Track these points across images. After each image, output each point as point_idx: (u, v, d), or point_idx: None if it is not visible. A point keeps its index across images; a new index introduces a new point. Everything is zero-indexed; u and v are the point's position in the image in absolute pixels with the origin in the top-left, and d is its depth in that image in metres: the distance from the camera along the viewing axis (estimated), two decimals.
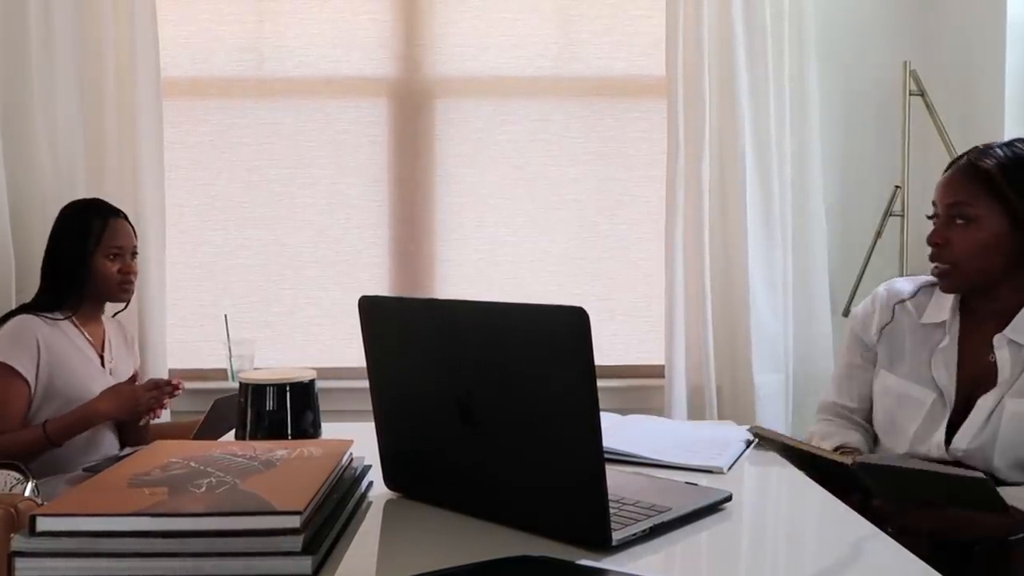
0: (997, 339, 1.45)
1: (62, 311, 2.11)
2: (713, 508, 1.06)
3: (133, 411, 2.07)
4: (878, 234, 2.55)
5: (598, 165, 2.81)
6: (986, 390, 1.45)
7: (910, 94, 2.53)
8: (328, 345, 2.79)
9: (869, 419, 1.64)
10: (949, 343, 1.51)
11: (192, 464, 0.97)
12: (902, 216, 2.55)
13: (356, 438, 1.10)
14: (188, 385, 2.24)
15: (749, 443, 1.43)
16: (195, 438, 1.94)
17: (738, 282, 2.61)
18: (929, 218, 1.53)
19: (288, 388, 1.29)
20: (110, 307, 2.26)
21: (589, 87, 2.80)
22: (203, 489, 0.88)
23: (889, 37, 2.72)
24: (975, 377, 1.47)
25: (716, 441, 1.42)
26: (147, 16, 2.54)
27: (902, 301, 1.59)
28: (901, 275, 2.29)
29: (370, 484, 1.12)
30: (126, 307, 2.29)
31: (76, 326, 2.13)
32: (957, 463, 1.41)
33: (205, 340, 2.76)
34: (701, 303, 2.60)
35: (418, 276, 2.82)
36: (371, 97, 2.79)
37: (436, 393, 1.03)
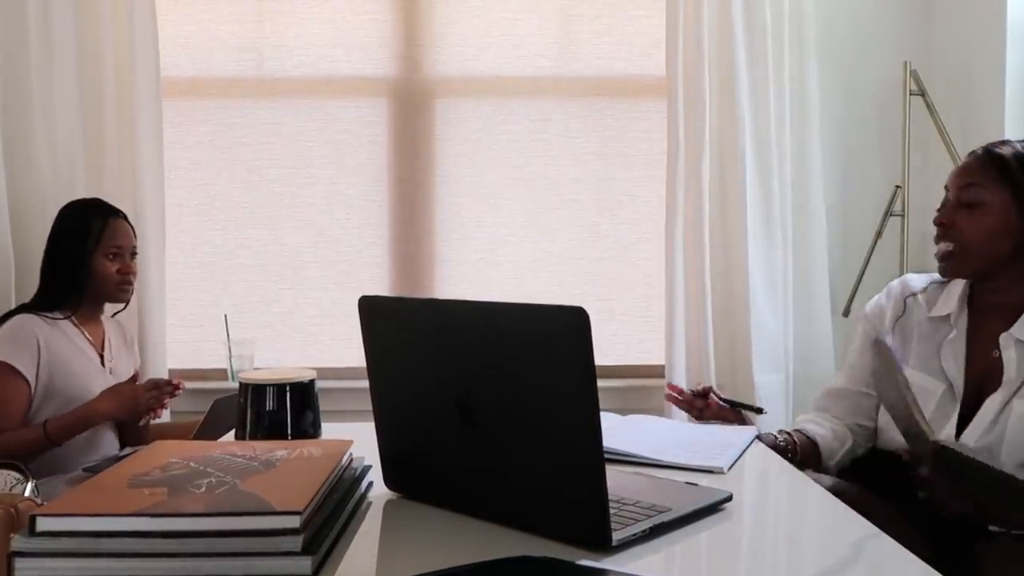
0: (1003, 338, 1.45)
1: (62, 311, 2.11)
2: (713, 508, 1.06)
3: (133, 411, 2.07)
4: (878, 234, 2.55)
5: (598, 165, 2.81)
6: (993, 386, 1.45)
7: (910, 94, 2.53)
8: (328, 345, 2.79)
9: (870, 414, 1.64)
10: (957, 336, 1.51)
11: (192, 464, 0.97)
12: (902, 216, 2.55)
13: (356, 438, 1.10)
14: (188, 385, 2.24)
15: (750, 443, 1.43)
16: (195, 438, 1.94)
17: (738, 282, 2.61)
18: (938, 210, 1.54)
19: (288, 388, 1.28)
20: (109, 307, 2.26)
21: (589, 87, 2.80)
22: (203, 489, 0.87)
23: (890, 37, 2.72)
24: (983, 372, 1.48)
25: (716, 441, 1.42)
26: (147, 16, 2.54)
27: (914, 294, 1.60)
28: (901, 275, 2.29)
29: (370, 484, 1.12)
30: (126, 307, 2.29)
31: (76, 326, 2.13)
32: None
33: (205, 340, 2.76)
34: (701, 303, 2.60)
35: (418, 276, 2.82)
36: (371, 97, 2.79)
37: (436, 393, 1.03)
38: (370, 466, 1.12)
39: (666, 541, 0.96)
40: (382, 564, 0.93)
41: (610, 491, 0.92)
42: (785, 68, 2.62)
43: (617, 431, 1.47)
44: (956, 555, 1.29)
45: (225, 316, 2.65)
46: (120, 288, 2.16)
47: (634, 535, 0.94)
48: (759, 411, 1.66)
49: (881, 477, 1.56)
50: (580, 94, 2.80)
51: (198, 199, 2.78)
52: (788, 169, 2.63)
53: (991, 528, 1.34)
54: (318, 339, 2.80)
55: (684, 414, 1.73)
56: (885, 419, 1.60)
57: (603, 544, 0.91)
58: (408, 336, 1.07)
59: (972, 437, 1.44)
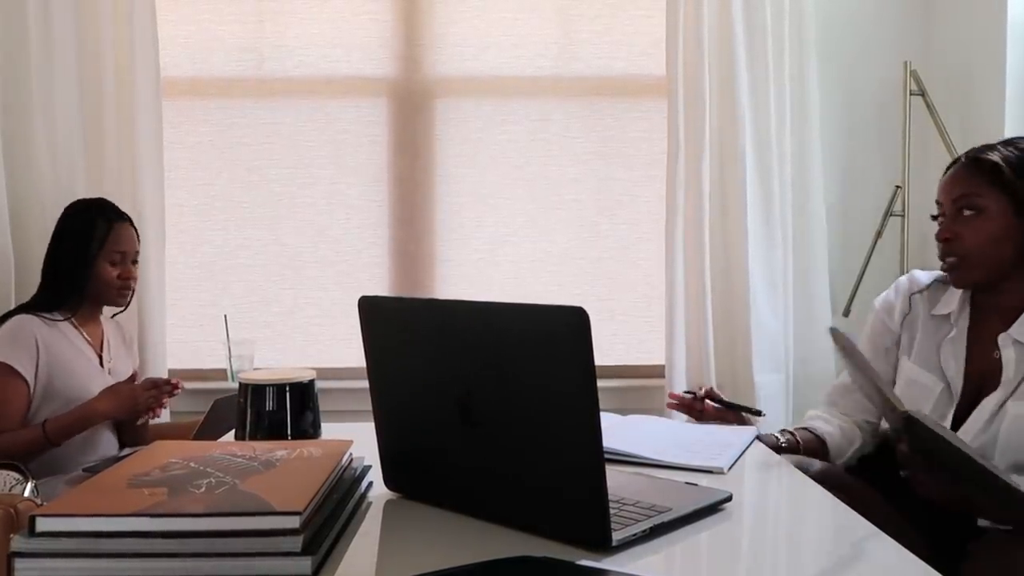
0: (1002, 338, 1.45)
1: (61, 312, 2.11)
2: (713, 508, 1.06)
3: (132, 411, 2.07)
4: (879, 234, 2.55)
5: (598, 165, 2.81)
6: (992, 386, 1.45)
7: (911, 94, 2.53)
8: (328, 345, 2.79)
9: (877, 413, 1.64)
10: (957, 335, 1.52)
11: (192, 464, 0.97)
12: (903, 216, 2.55)
13: (356, 438, 1.10)
14: (188, 385, 2.24)
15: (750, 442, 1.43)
16: (195, 438, 1.94)
17: (738, 282, 2.61)
18: (934, 218, 1.54)
19: (288, 388, 1.28)
20: (108, 308, 2.26)
21: (589, 87, 2.80)
22: (203, 489, 0.87)
23: (890, 37, 2.72)
24: (982, 372, 1.48)
25: (716, 441, 1.42)
26: (147, 16, 2.54)
27: (920, 291, 1.61)
28: (901, 275, 2.28)
29: (370, 484, 1.12)
30: (125, 309, 2.29)
31: (75, 326, 2.13)
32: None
33: (205, 340, 2.76)
34: (701, 303, 2.60)
35: (418, 276, 2.82)
36: (371, 97, 2.79)
37: (436, 393, 1.03)
38: (370, 466, 1.12)
39: (666, 541, 0.96)
40: (382, 564, 0.93)
41: (610, 491, 0.92)
42: (785, 68, 2.61)
43: (617, 431, 1.47)
44: (953, 555, 1.30)
45: (225, 316, 2.65)
46: (120, 293, 2.16)
47: (634, 535, 0.94)
48: (758, 413, 1.66)
49: (880, 477, 1.56)
50: (580, 94, 2.80)
51: (198, 199, 2.78)
52: (788, 169, 2.63)
53: (980, 523, 1.35)
54: (318, 339, 2.80)
55: (684, 415, 1.73)
56: None
57: (603, 544, 0.91)
58: (408, 336, 1.07)
59: (966, 437, 1.44)
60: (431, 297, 2.70)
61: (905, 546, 0.93)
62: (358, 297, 1.12)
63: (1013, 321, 1.46)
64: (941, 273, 1.59)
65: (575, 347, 0.88)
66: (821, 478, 1.24)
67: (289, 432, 1.28)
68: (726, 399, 1.68)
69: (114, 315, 2.32)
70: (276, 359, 2.74)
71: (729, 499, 1.09)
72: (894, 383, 1.62)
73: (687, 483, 1.15)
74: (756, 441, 1.46)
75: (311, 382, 1.32)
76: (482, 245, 2.81)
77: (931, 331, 1.56)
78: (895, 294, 1.64)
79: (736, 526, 1.03)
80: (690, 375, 2.62)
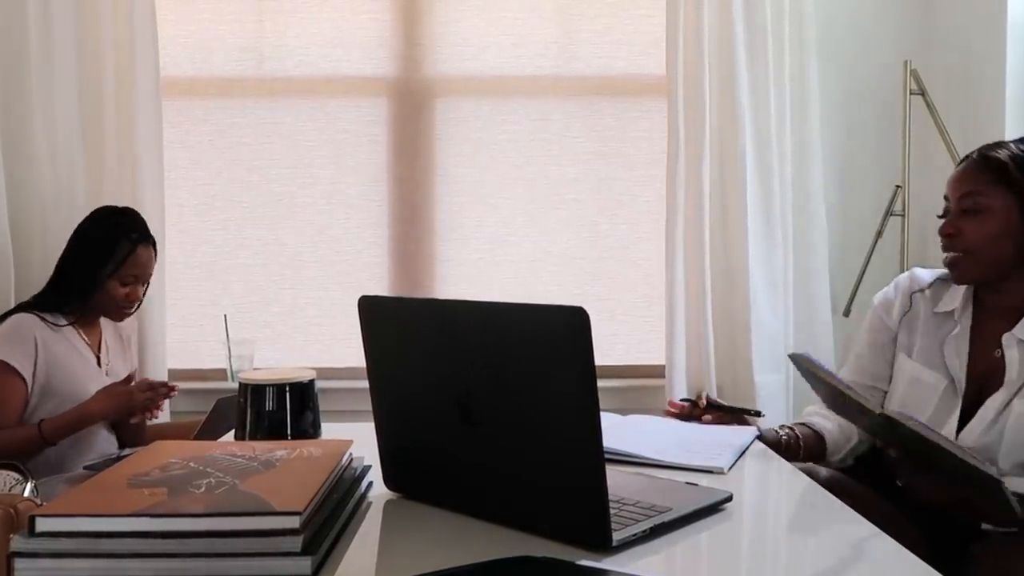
0: (1006, 338, 1.45)
1: (64, 316, 2.11)
2: (713, 508, 1.06)
3: (127, 411, 2.07)
4: (879, 234, 2.55)
5: (598, 165, 2.81)
6: (995, 385, 1.45)
7: (911, 93, 2.52)
8: (328, 345, 2.79)
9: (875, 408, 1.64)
10: (960, 332, 1.52)
11: (192, 464, 0.97)
12: (903, 216, 2.55)
13: (356, 438, 1.10)
14: (188, 385, 2.25)
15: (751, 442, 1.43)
16: (196, 438, 1.94)
17: (738, 282, 2.61)
18: (940, 217, 1.54)
19: (288, 388, 1.28)
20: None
21: (589, 86, 2.80)
22: (202, 489, 0.87)
23: (890, 36, 2.72)
24: (984, 370, 1.48)
25: (716, 441, 1.42)
26: (146, 15, 2.54)
27: (921, 290, 1.61)
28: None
29: (370, 484, 1.12)
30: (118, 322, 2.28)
31: (74, 328, 2.13)
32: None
33: (205, 340, 2.76)
34: (701, 303, 2.60)
35: (418, 276, 2.82)
36: (371, 97, 2.79)
37: (436, 393, 1.03)
38: (370, 466, 1.12)
39: (666, 541, 0.96)
40: (382, 564, 0.93)
41: (610, 491, 0.92)
42: (785, 68, 2.61)
43: (617, 431, 1.47)
44: (954, 554, 1.30)
45: (225, 316, 2.65)
46: (120, 312, 2.17)
47: (634, 535, 0.94)
48: (757, 414, 1.66)
49: (881, 475, 1.56)
50: (580, 94, 2.80)
51: (198, 199, 2.78)
52: (788, 169, 2.63)
53: (984, 527, 1.35)
54: (318, 339, 2.80)
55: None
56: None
57: (603, 544, 0.91)
58: (408, 336, 1.07)
59: (971, 436, 1.44)
60: (431, 297, 2.70)
61: (906, 546, 0.93)
62: (358, 297, 1.12)
63: (1016, 320, 1.46)
64: (943, 271, 1.59)
65: (575, 347, 0.88)
66: (828, 486, 1.24)
67: (289, 432, 1.28)
68: (724, 403, 1.68)
69: None
70: (276, 359, 2.74)
71: (729, 499, 1.09)
72: (890, 380, 1.62)
73: (687, 483, 1.15)
74: (756, 441, 1.46)
75: (311, 382, 1.32)
76: (482, 245, 2.80)
77: (933, 328, 1.56)
78: (894, 291, 1.64)
79: (736, 526, 1.03)
80: (690, 375, 2.62)
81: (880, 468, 1.59)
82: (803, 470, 1.34)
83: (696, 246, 2.60)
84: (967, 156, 1.54)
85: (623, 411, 1.72)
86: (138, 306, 2.21)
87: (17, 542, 0.80)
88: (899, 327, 1.61)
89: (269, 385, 1.28)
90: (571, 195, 2.81)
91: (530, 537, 0.96)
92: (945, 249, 1.52)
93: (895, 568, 0.90)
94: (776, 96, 2.60)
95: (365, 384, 1.13)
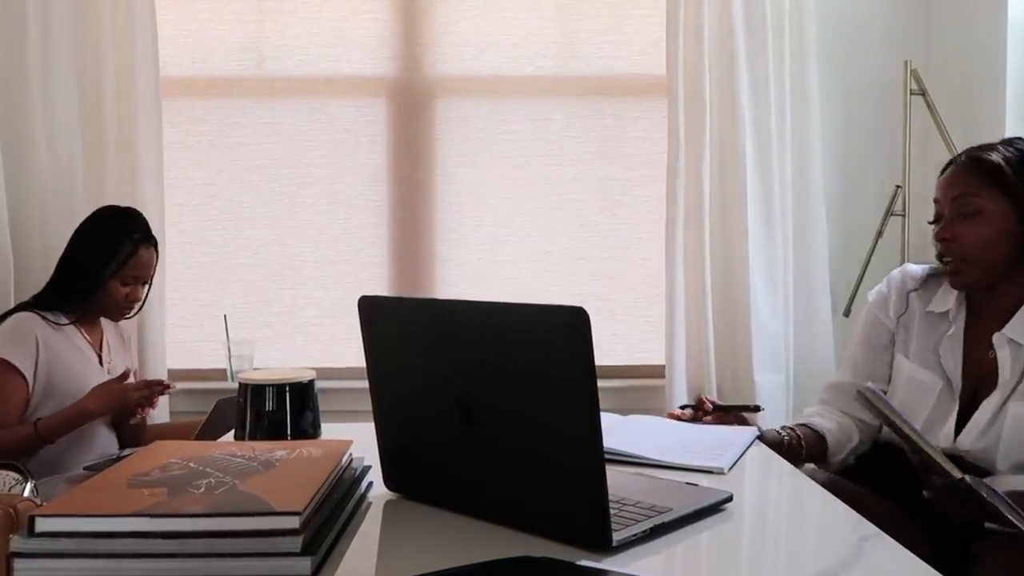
0: (997, 337, 1.45)
1: (65, 315, 2.11)
2: (714, 509, 1.06)
3: (123, 408, 2.07)
4: (879, 234, 2.55)
5: (598, 165, 2.81)
6: (989, 386, 1.46)
7: (911, 93, 2.52)
8: (328, 345, 2.79)
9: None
10: (955, 333, 1.52)
11: (191, 465, 0.97)
12: (903, 216, 2.55)
13: (356, 438, 1.10)
14: (188, 385, 2.25)
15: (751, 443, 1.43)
16: (197, 438, 1.94)
17: (738, 282, 2.61)
18: (931, 223, 1.54)
19: (287, 388, 1.28)
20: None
21: (589, 86, 2.80)
22: (202, 490, 0.87)
23: (890, 36, 2.72)
24: (979, 371, 1.49)
25: (716, 441, 1.42)
26: (146, 15, 2.54)
27: (914, 289, 1.60)
28: None
29: (370, 484, 1.12)
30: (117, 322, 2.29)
31: (76, 327, 2.13)
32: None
33: (204, 340, 2.75)
34: (701, 303, 2.60)
35: (418, 276, 2.82)
36: (371, 97, 2.79)
37: (436, 393, 1.03)
38: (370, 466, 1.12)
39: (666, 541, 0.96)
40: (382, 564, 0.93)
41: (610, 491, 0.91)
42: (785, 68, 2.61)
43: (617, 431, 1.47)
44: (955, 554, 1.29)
45: (225, 316, 2.65)
46: (121, 313, 2.17)
47: (634, 535, 0.94)
48: (756, 408, 1.65)
49: (881, 474, 1.56)
50: (580, 94, 2.80)
51: (198, 199, 2.78)
52: (788, 169, 2.63)
53: (988, 526, 1.34)
54: (318, 339, 2.80)
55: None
56: None
57: (603, 544, 0.91)
58: (408, 336, 1.07)
59: (969, 438, 1.44)
60: (431, 297, 2.70)
61: (906, 546, 0.93)
62: (358, 297, 1.12)
63: (1008, 321, 1.46)
64: (933, 266, 1.58)
65: (575, 347, 0.88)
66: (828, 486, 1.24)
67: (289, 432, 1.28)
68: (721, 403, 1.68)
69: None
70: (276, 359, 2.74)
71: (729, 499, 1.09)
72: (889, 380, 1.62)
73: (687, 483, 1.14)
74: (757, 441, 1.46)
75: (311, 382, 1.32)
76: (482, 245, 2.80)
77: (928, 329, 1.56)
78: (888, 288, 1.64)
79: (736, 526, 1.03)
80: (690, 375, 2.62)
81: (880, 468, 1.58)
82: (803, 471, 1.34)
83: (696, 246, 2.60)
84: (954, 159, 1.54)
85: (623, 411, 1.71)
86: (140, 307, 2.21)
87: (17, 542, 0.80)
88: (896, 327, 1.61)
89: (269, 385, 1.28)
90: (571, 195, 2.81)
91: (530, 537, 0.96)
92: (942, 255, 1.51)
93: (895, 568, 0.90)
94: (776, 96, 2.60)
95: (365, 384, 1.13)
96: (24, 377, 2.00)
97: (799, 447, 1.54)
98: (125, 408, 2.08)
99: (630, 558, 0.90)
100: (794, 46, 2.63)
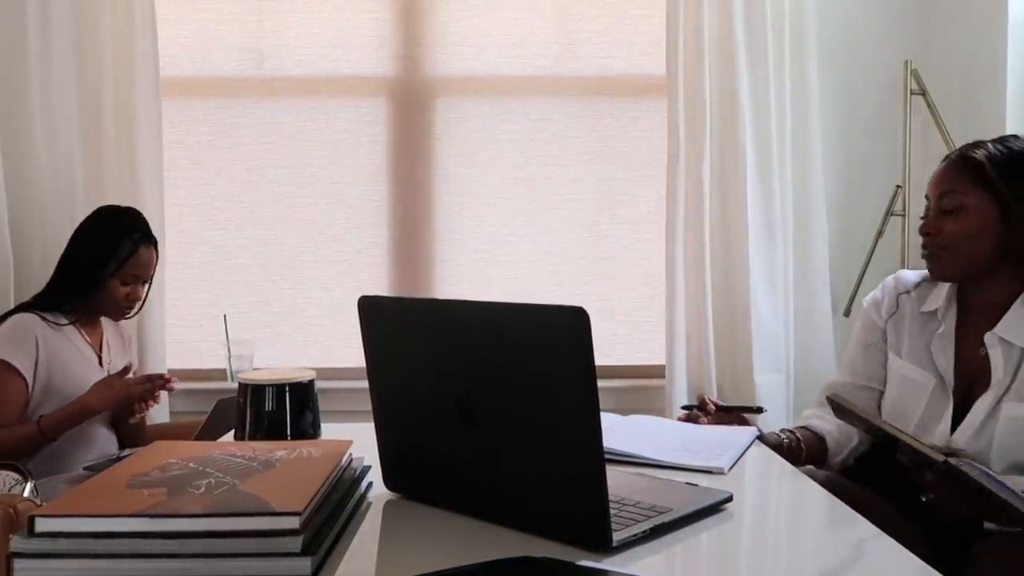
0: (988, 337, 1.46)
1: (65, 315, 2.11)
2: (714, 509, 1.06)
3: (124, 404, 2.07)
4: (879, 234, 2.55)
5: (598, 165, 2.81)
6: (982, 385, 1.46)
7: (911, 93, 2.52)
8: (328, 345, 2.79)
9: (871, 409, 1.64)
10: (945, 331, 1.53)
11: (191, 465, 0.97)
12: (903, 216, 2.55)
13: (356, 438, 1.10)
14: (188, 385, 2.24)
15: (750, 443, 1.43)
16: (197, 438, 1.94)
17: (739, 282, 2.60)
18: (922, 218, 1.55)
19: (287, 388, 1.28)
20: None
21: (589, 86, 2.80)
22: (202, 490, 0.87)
23: (890, 36, 2.72)
24: (971, 369, 1.49)
25: (717, 441, 1.42)
26: (146, 15, 2.54)
27: (907, 291, 1.62)
28: None
29: (370, 484, 1.12)
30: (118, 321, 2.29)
31: (76, 327, 2.13)
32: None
33: (204, 340, 2.75)
34: (702, 303, 2.60)
35: (418, 276, 2.81)
36: (371, 97, 2.79)
37: (436, 393, 1.03)
38: (370, 466, 1.12)
39: (666, 542, 0.96)
40: (382, 564, 0.93)
41: (610, 491, 0.91)
42: (785, 68, 2.61)
43: (617, 431, 1.47)
44: (954, 555, 1.29)
45: (224, 316, 2.65)
46: (121, 311, 2.17)
47: (634, 536, 0.94)
48: (759, 410, 1.66)
49: (881, 475, 1.56)
50: (580, 94, 2.80)
51: (198, 199, 2.78)
52: (788, 169, 2.63)
53: (986, 526, 1.35)
54: (318, 339, 2.80)
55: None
56: (885, 413, 1.60)
57: (603, 544, 0.91)
58: (408, 336, 1.07)
59: (963, 437, 1.44)
60: (431, 297, 2.70)
61: (906, 546, 0.93)
62: (358, 297, 1.12)
63: (998, 318, 1.47)
64: (928, 272, 1.59)
65: (575, 347, 0.88)
66: (827, 486, 1.24)
67: (289, 432, 1.28)
68: (723, 403, 1.68)
69: None
70: (276, 359, 2.73)
71: (730, 499, 1.09)
72: (884, 380, 1.62)
73: (687, 483, 1.14)
74: (756, 441, 1.46)
75: (311, 382, 1.32)
76: (482, 245, 2.80)
77: (919, 328, 1.57)
78: (881, 292, 1.66)
79: (736, 526, 1.03)
80: (690, 375, 2.62)
81: (880, 469, 1.58)
82: (803, 472, 1.34)
83: (696, 246, 2.60)
84: (947, 156, 1.56)
85: (623, 411, 1.72)
86: (140, 307, 2.21)
87: (16, 542, 0.80)
88: (886, 326, 1.62)
89: (269, 385, 1.28)
90: (571, 195, 2.81)
91: (530, 537, 0.96)
92: (924, 247, 1.53)
93: (895, 568, 0.90)
94: (776, 96, 2.60)
95: (365, 384, 1.13)
96: (24, 378, 2.00)
97: (798, 449, 1.54)
98: (127, 404, 2.08)
99: (630, 558, 0.90)
100: (794, 46, 2.63)
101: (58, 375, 2.04)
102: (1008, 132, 2.32)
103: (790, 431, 1.58)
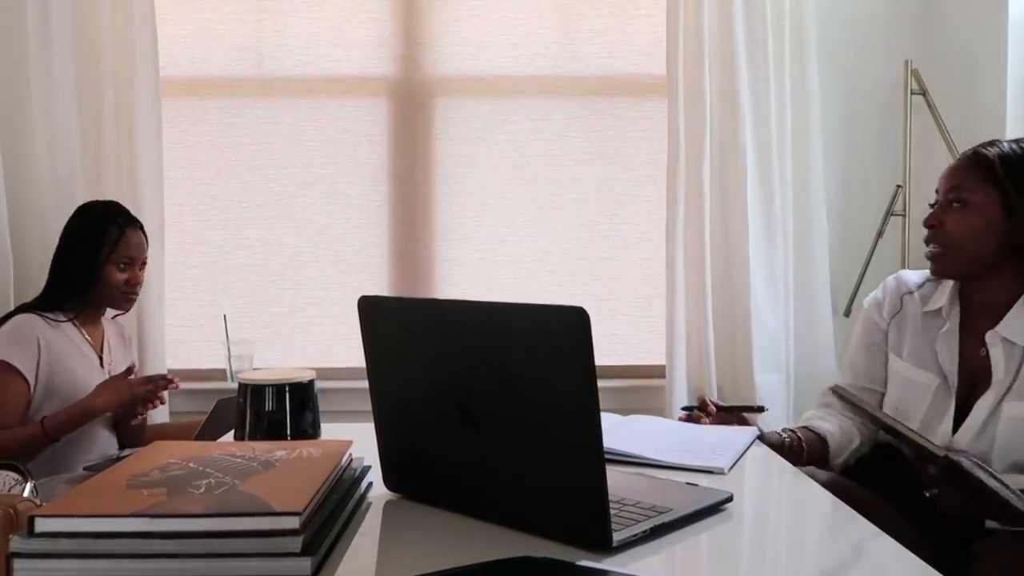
0: (990, 336, 1.46)
1: (64, 313, 2.11)
2: (714, 509, 1.06)
3: (128, 404, 2.07)
4: (879, 234, 2.55)
5: (598, 165, 2.81)
6: (983, 385, 1.46)
7: (911, 93, 2.52)
8: (328, 345, 2.79)
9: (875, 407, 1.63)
10: (949, 329, 1.53)
11: (191, 465, 0.97)
12: (903, 216, 2.55)
13: (356, 438, 1.10)
14: (188, 385, 2.24)
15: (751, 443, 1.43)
16: (197, 438, 1.94)
17: (739, 282, 2.60)
18: (931, 206, 1.55)
19: (287, 388, 1.28)
20: (110, 309, 2.26)
21: (589, 86, 2.80)
22: (202, 490, 0.87)
23: (890, 35, 2.72)
24: (973, 369, 1.49)
25: (717, 441, 1.42)
26: (146, 15, 2.54)
27: (910, 292, 1.62)
28: None
29: (370, 485, 1.12)
30: (127, 311, 2.29)
31: (76, 327, 2.13)
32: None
33: (204, 340, 2.75)
34: (702, 303, 2.60)
35: (418, 276, 2.81)
36: (371, 96, 2.79)
37: (436, 393, 1.03)
38: (370, 466, 1.12)
39: (667, 542, 0.96)
40: (382, 564, 0.93)
41: (611, 491, 0.91)
42: (785, 67, 2.61)
43: (617, 431, 1.47)
44: (955, 554, 1.29)
45: (224, 316, 2.65)
46: (125, 298, 2.17)
47: (635, 536, 0.94)
48: (760, 409, 1.66)
49: (882, 475, 1.56)
50: (580, 93, 2.80)
51: (197, 199, 2.78)
52: (788, 168, 2.63)
53: (988, 525, 1.35)
54: (318, 339, 2.80)
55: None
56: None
57: (603, 545, 0.91)
58: (408, 336, 1.07)
59: (965, 438, 1.44)
60: (431, 297, 2.70)
61: (906, 546, 0.93)
62: (358, 297, 1.12)
63: (1001, 318, 1.47)
64: (931, 271, 1.59)
65: (575, 347, 0.88)
66: (827, 487, 1.24)
67: (289, 432, 1.28)
68: (724, 403, 1.68)
69: (115, 315, 2.32)
70: (276, 359, 2.74)
71: (730, 499, 1.08)
72: (885, 382, 1.62)
73: (688, 483, 1.14)
74: (757, 441, 1.46)
75: (311, 382, 1.32)
76: (482, 245, 2.80)
77: (924, 328, 1.57)
78: (883, 293, 1.66)
79: (737, 527, 1.03)
80: (690, 375, 2.62)
81: (881, 470, 1.58)
82: (803, 472, 1.34)
83: (696, 246, 2.60)
84: (963, 153, 1.56)
85: (623, 411, 1.72)
86: (136, 297, 2.21)
87: (16, 542, 0.80)
88: (888, 327, 1.62)
89: (269, 385, 1.28)
90: (571, 195, 2.81)
91: (530, 537, 0.96)
92: (927, 241, 1.54)
93: (895, 568, 0.90)
94: (776, 96, 2.60)
95: (365, 384, 1.13)
96: (25, 379, 2.00)
97: (800, 449, 1.54)
98: (131, 404, 2.08)
99: (630, 558, 0.90)
100: (794, 46, 2.63)
101: (59, 376, 2.04)
102: (1008, 132, 2.33)
103: (791, 430, 1.58)
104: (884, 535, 0.98)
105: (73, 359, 2.08)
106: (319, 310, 2.80)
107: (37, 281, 2.27)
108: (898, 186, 2.55)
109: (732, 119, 2.60)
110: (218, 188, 2.78)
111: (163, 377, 2.10)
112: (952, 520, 1.36)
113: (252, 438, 1.28)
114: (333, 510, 0.94)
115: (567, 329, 0.88)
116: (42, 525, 0.80)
